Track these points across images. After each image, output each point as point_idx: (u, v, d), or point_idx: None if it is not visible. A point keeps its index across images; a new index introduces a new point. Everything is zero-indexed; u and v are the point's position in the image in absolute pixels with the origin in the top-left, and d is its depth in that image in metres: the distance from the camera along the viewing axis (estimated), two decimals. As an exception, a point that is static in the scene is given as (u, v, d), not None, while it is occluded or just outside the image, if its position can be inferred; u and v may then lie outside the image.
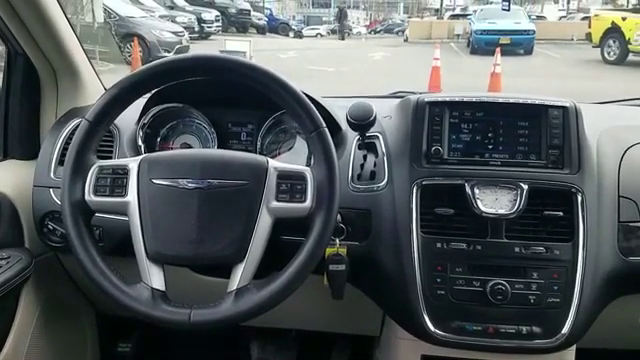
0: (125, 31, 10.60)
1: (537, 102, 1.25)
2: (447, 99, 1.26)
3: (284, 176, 1.04)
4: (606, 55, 11.98)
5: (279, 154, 1.42)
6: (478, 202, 1.17)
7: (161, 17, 13.35)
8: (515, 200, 1.16)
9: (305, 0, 43.72)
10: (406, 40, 20.17)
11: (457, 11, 25.15)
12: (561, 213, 1.17)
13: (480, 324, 1.15)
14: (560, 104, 1.25)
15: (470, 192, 1.17)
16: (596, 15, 13.09)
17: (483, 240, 1.17)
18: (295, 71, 10.26)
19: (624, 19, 11.67)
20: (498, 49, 8.07)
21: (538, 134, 1.23)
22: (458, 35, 17.63)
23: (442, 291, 1.16)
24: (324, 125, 1.05)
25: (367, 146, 1.32)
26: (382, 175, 1.26)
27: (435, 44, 10.91)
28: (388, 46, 17.99)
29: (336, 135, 1.33)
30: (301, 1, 44.47)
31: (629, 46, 11.44)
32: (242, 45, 8.53)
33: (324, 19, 38.13)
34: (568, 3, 32.07)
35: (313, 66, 11.44)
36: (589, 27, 12.74)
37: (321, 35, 28.03)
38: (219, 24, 16.81)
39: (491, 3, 24.73)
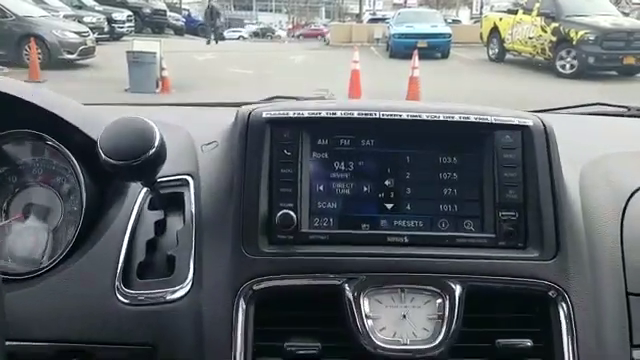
0: (22, 31, 9.85)
1: (473, 119, 0.74)
2: (305, 114, 0.73)
3: None
4: (490, 54, 13.07)
5: (5, 216, 0.79)
6: (368, 325, 0.66)
7: (66, 17, 12.53)
8: (440, 318, 0.66)
9: (227, 2, 42.92)
10: (328, 44, 20.15)
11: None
12: (529, 342, 0.68)
13: None
14: (517, 122, 0.75)
15: (353, 303, 0.66)
16: (485, 16, 14.48)
17: None
18: (212, 74, 9.87)
19: (501, 19, 12.77)
20: (416, 52, 8.06)
21: (477, 181, 0.73)
22: (377, 39, 17.78)
23: None
24: None
25: (167, 202, 0.78)
26: (186, 267, 0.71)
27: (354, 47, 10.85)
28: (310, 49, 17.86)
29: (104, 180, 0.79)
30: (223, 3, 43.66)
31: (504, 45, 12.55)
32: (151, 45, 7.98)
33: (246, 22, 37.62)
34: (481, 7, 33.56)
35: (232, 68, 11.03)
36: (481, 28, 13.87)
37: (243, 38, 27.63)
38: (131, 24, 16.07)
39: (409, 7, 25.37)
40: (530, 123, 0.75)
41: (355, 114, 0.73)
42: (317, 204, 0.72)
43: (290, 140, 0.72)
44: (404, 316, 0.67)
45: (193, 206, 0.75)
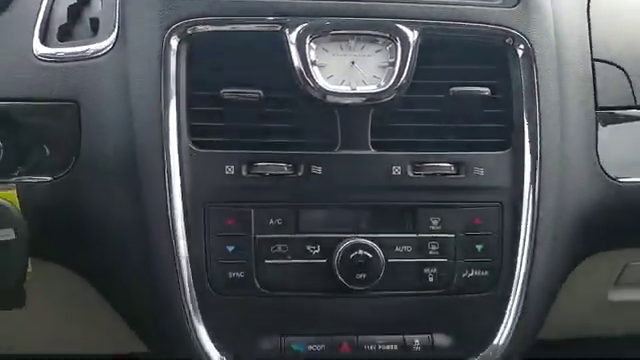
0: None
1: None
2: None
3: None
4: None
5: None
6: (314, 71, 0.61)
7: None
8: (392, 65, 0.62)
9: None
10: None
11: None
12: (487, 90, 0.64)
13: (323, 337, 0.59)
14: None
15: (297, 48, 0.62)
16: None
17: (328, 154, 0.62)
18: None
19: None
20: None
21: None
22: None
23: (239, 272, 0.59)
24: None
25: None
26: (110, 24, 0.68)
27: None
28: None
29: None
30: None
31: None
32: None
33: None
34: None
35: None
36: None
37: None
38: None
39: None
40: None
41: None
42: None
43: None
44: (353, 63, 0.63)
45: None
